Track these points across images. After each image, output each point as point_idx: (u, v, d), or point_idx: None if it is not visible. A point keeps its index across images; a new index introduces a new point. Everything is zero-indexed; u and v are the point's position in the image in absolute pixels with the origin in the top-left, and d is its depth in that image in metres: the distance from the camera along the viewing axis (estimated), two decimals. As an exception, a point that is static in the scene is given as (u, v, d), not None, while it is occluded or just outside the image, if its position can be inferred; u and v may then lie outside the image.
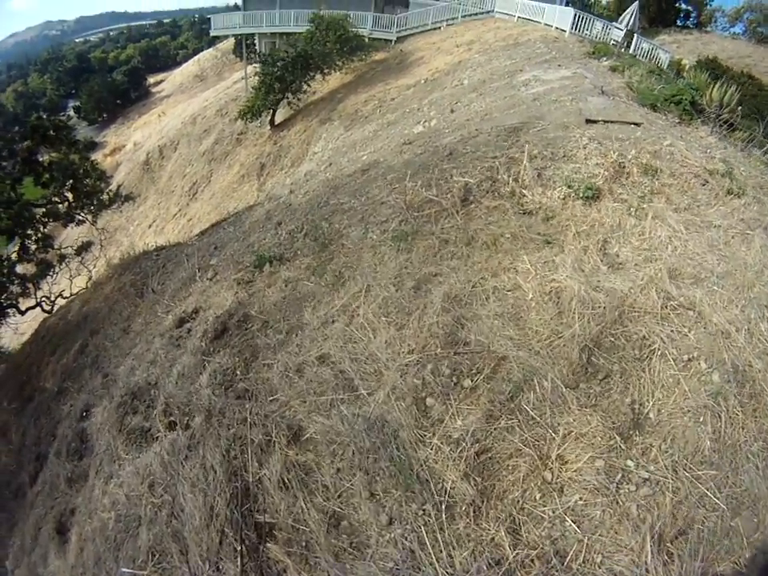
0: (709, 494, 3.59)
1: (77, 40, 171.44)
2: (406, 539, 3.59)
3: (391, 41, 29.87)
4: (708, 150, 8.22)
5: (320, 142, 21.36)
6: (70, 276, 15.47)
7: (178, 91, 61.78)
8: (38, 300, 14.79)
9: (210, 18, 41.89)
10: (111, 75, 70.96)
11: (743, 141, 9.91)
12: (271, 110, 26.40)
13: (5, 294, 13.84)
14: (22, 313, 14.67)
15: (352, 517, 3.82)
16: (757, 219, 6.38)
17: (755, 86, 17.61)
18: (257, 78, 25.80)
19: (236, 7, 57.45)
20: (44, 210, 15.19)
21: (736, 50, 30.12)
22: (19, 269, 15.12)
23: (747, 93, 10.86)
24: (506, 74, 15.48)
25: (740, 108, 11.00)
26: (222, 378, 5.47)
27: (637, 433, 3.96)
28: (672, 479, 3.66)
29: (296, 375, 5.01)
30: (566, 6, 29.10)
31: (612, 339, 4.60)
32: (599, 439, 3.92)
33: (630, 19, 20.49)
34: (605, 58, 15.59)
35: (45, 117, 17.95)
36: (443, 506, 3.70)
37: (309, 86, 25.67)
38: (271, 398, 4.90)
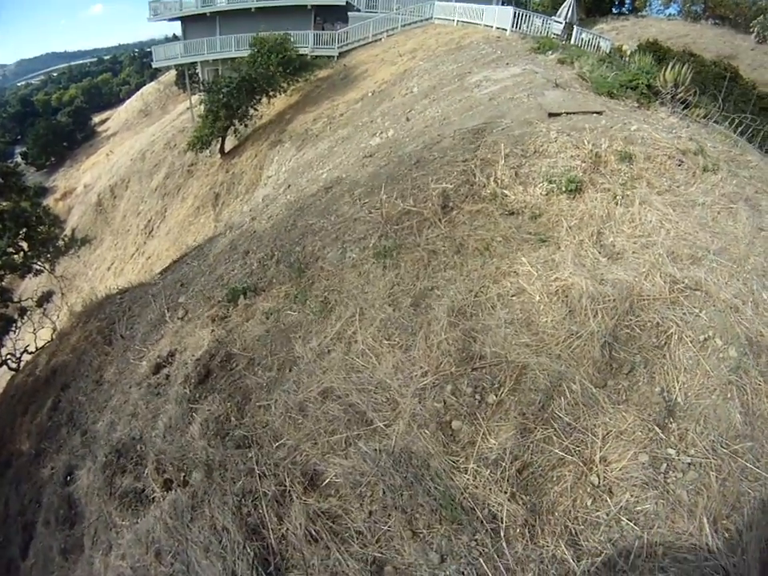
0: (749, 465, 3.62)
1: (19, 84, 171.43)
2: (464, 574, 3.36)
3: (334, 57, 30.29)
4: (673, 131, 8.21)
5: (273, 166, 21.24)
6: (34, 329, 14.71)
7: (124, 128, 61.64)
8: (4, 358, 13.91)
9: (150, 51, 41.81)
10: (55, 117, 70.20)
11: (702, 117, 10.01)
12: (220, 138, 26.39)
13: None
14: None
15: (396, 560, 3.54)
16: (737, 193, 6.38)
17: (698, 63, 18.11)
18: (203, 106, 25.79)
19: (175, 38, 57.50)
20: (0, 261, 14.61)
21: (674, 31, 31.05)
22: None
23: (692, 70, 11.05)
24: (455, 77, 15.46)
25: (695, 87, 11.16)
26: (215, 426, 5.11)
27: (671, 420, 3.92)
28: (713, 458, 3.66)
29: (300, 415, 4.69)
30: (503, 5, 29.64)
31: (628, 331, 4.51)
32: (639, 434, 3.86)
33: (567, 12, 20.82)
34: (550, 52, 15.67)
35: None
36: (497, 532, 3.50)
37: (256, 110, 25.84)
38: (277, 443, 4.56)
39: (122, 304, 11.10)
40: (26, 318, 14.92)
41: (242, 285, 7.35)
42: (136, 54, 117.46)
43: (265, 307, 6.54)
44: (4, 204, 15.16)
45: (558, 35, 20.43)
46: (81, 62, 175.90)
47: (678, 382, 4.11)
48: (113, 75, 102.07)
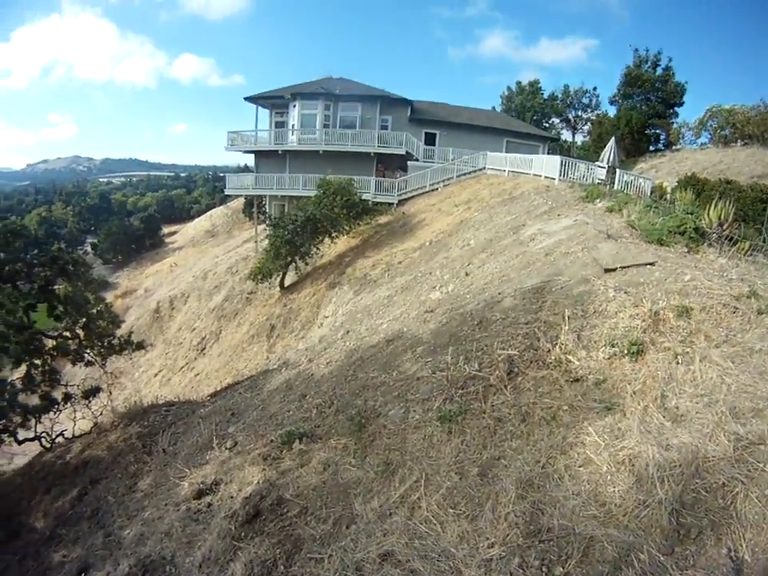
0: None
1: (101, 179, 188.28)
2: None
3: (393, 204, 31.55)
4: (724, 273, 8.35)
5: (330, 306, 21.73)
6: (74, 417, 14.59)
7: (190, 244, 64.00)
8: (38, 434, 13.90)
9: (223, 176, 45.77)
10: (129, 219, 74.17)
11: (747, 252, 10.18)
12: (281, 272, 27.05)
13: (3, 420, 12.91)
14: (19, 443, 13.65)
15: None
16: (792, 331, 6.31)
17: (735, 190, 18.11)
18: (267, 240, 26.76)
19: (247, 168, 62.12)
20: (54, 342, 14.92)
21: (708, 160, 31.45)
22: (20, 398, 14.09)
23: (733, 204, 11.29)
24: (510, 230, 16.05)
25: (740, 224, 11.37)
26: (260, 570, 5.11)
27: (739, 579, 3.81)
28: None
29: (356, 575, 4.68)
30: (548, 153, 30.94)
31: (695, 495, 4.47)
32: (706, 597, 3.75)
33: (609, 155, 21.45)
34: (598, 200, 16.23)
35: (64, 248, 18.04)
36: None
37: (318, 249, 26.61)
38: (331, 599, 4.51)
39: (167, 417, 11.47)
40: (69, 404, 14.84)
41: (299, 429, 7.44)
42: (210, 176, 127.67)
43: (321, 457, 6.61)
44: (69, 289, 15.71)
45: (602, 180, 21.01)
46: (159, 173, 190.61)
47: (744, 540, 4.02)
48: (186, 192, 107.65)
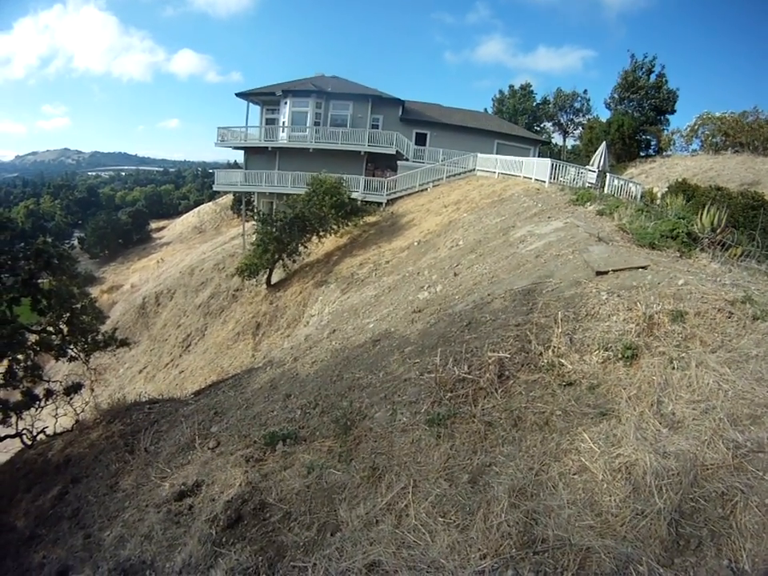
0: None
1: (90, 173, 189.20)
2: None
3: (382, 203, 31.77)
4: (718, 278, 8.26)
5: (317, 305, 21.73)
6: (56, 414, 14.40)
7: (178, 240, 64.27)
8: (19, 431, 13.69)
9: (212, 172, 48.02)
10: (117, 214, 74.75)
11: (740, 257, 10.12)
12: (268, 270, 27.11)
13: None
14: (0, 439, 13.54)
15: None
16: (788, 336, 6.19)
17: (725, 197, 18.21)
18: (255, 237, 26.81)
19: (236, 164, 62.52)
20: (37, 337, 14.73)
21: (698, 166, 31.69)
22: (1, 393, 14.14)
23: (725, 211, 11.28)
24: (499, 231, 15.98)
25: (733, 229, 11.34)
26: None
27: (740, 591, 3.67)
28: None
29: None
30: (539, 156, 31.03)
31: (693, 504, 4.30)
32: (708, 609, 3.61)
33: (600, 160, 21.60)
34: (589, 204, 16.24)
35: (50, 242, 17.83)
36: None
37: (305, 247, 26.80)
38: (314, 610, 4.29)
39: (150, 415, 11.32)
40: (50, 400, 14.61)
41: (282, 430, 7.24)
42: (199, 172, 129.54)
43: (305, 459, 6.39)
44: (53, 283, 15.56)
45: (592, 184, 21.12)
46: (148, 168, 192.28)
47: (744, 550, 3.85)
48: (175, 188, 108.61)
